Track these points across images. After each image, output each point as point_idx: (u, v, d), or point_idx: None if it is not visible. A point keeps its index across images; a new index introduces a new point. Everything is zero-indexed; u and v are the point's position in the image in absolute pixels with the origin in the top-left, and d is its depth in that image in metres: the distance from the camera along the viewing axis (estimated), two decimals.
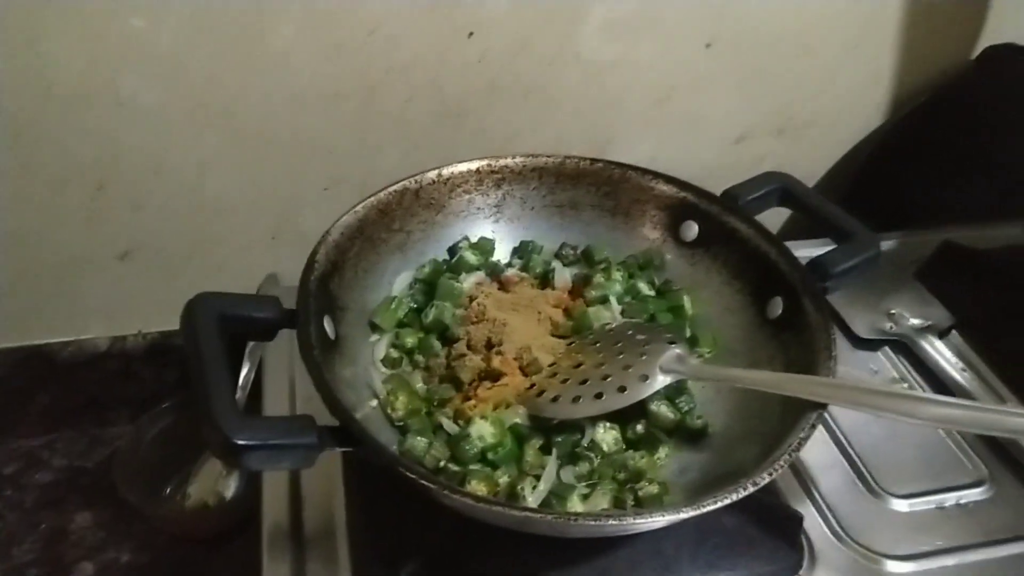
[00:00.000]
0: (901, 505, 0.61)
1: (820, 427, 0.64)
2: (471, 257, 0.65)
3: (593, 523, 0.42)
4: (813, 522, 0.58)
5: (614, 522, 0.42)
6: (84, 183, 0.72)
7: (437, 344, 0.60)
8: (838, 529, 0.58)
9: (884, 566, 0.57)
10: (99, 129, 0.69)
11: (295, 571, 0.54)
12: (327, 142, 0.76)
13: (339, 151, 0.76)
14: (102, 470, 0.82)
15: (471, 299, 0.62)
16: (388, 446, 0.52)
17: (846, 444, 0.65)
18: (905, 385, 0.71)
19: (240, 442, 0.42)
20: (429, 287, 0.63)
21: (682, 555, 0.54)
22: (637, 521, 0.43)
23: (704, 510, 0.44)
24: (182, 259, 0.79)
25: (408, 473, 0.43)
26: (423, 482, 0.43)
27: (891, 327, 0.75)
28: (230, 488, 0.77)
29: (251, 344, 0.73)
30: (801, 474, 0.62)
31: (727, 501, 0.44)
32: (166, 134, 0.71)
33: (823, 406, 0.49)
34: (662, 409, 0.57)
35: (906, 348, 0.73)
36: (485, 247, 0.67)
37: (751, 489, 0.45)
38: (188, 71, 0.68)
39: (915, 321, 0.76)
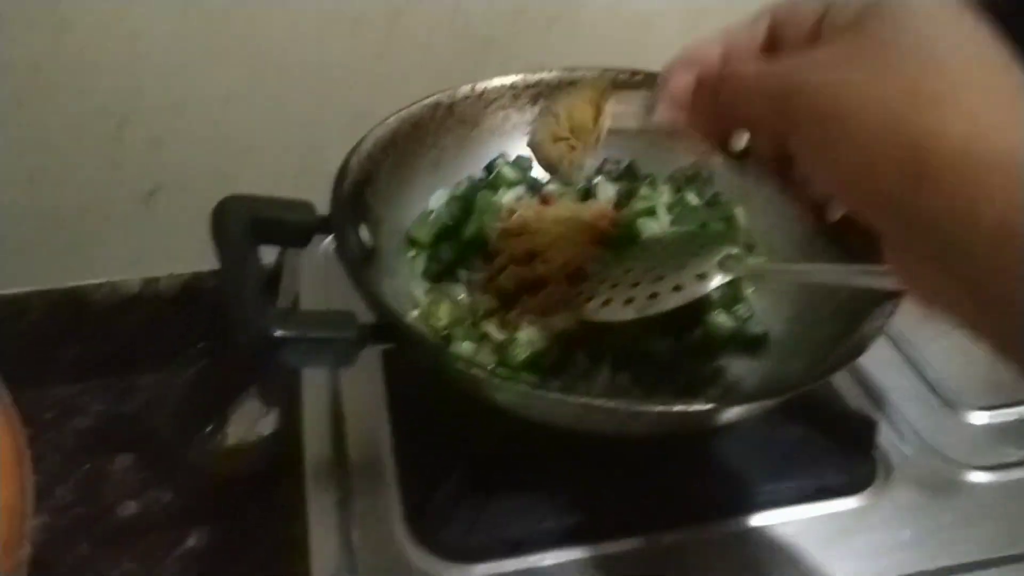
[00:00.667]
0: (980, 417, 0.57)
1: (888, 342, 0.62)
2: (509, 173, 0.62)
3: (661, 409, 0.39)
4: (885, 435, 0.55)
5: (682, 409, 0.39)
6: (105, 121, 0.70)
7: (478, 259, 0.57)
8: (912, 440, 0.55)
9: (964, 476, 0.53)
10: (117, 64, 0.67)
11: (341, 497, 0.52)
12: (351, 72, 0.73)
13: (363, 82, 0.74)
14: (139, 415, 0.81)
15: (511, 212, 0.59)
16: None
17: (916, 358, 0.61)
18: None
19: (278, 334, 0.39)
20: (466, 203, 0.60)
21: (747, 465, 0.51)
22: (708, 408, 0.40)
23: (785, 396, 0.41)
24: (208, 198, 0.76)
25: (457, 364, 0.41)
26: (474, 372, 0.40)
27: None
28: (267, 427, 0.76)
29: (288, 264, 0.71)
30: (870, 390, 0.59)
31: (795, 392, 0.41)
32: (185, 67, 0.69)
33: (898, 294, 0.45)
34: (719, 318, 0.54)
35: None
36: (523, 164, 0.64)
37: (833, 372, 0.41)
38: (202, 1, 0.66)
39: None
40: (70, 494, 0.74)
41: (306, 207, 0.49)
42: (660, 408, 0.41)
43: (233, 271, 0.43)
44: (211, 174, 0.76)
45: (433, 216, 0.59)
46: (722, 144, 0.63)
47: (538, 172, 0.65)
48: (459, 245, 0.58)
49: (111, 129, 0.71)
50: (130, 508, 0.73)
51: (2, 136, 0.69)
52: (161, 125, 0.72)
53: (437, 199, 0.60)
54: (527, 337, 0.50)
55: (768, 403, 0.42)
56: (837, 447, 0.52)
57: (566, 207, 0.60)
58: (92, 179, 0.74)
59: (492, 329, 0.52)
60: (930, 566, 0.48)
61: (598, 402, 0.39)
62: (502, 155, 0.63)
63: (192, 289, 0.81)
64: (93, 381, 0.83)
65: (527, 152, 0.65)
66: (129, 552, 0.70)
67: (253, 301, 0.41)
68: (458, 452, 0.50)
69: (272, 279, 0.78)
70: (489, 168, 0.63)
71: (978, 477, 0.53)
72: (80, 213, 0.75)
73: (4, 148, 0.70)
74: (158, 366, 0.82)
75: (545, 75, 0.64)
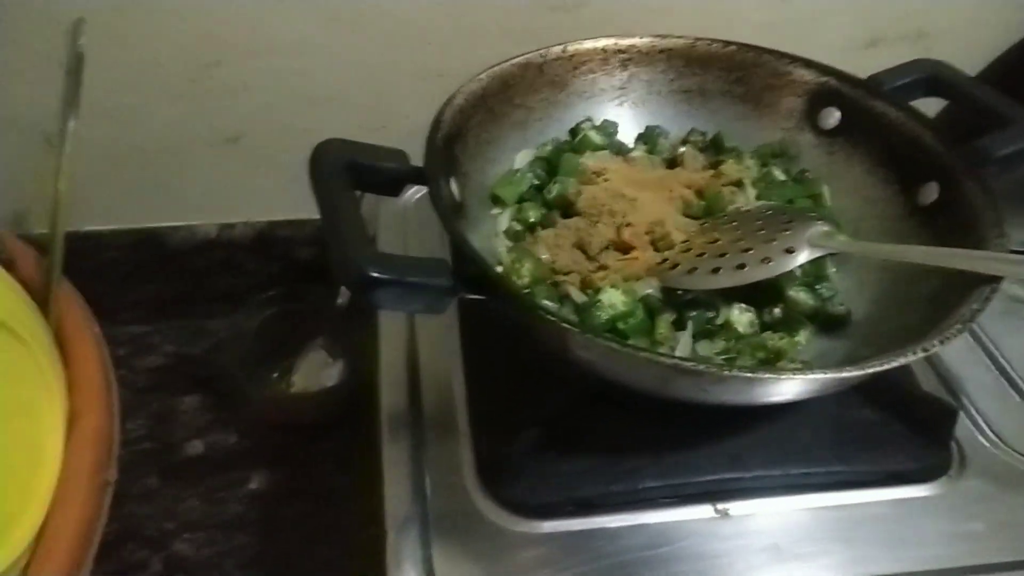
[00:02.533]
0: None
1: (969, 337, 0.61)
2: (595, 137, 0.62)
3: (749, 376, 0.39)
4: (962, 424, 0.54)
5: (770, 376, 0.39)
6: (189, 63, 0.71)
7: (561, 220, 0.57)
8: (989, 433, 0.54)
9: None
10: (203, 6, 0.68)
11: (415, 446, 0.52)
12: (430, 29, 0.73)
13: (437, 42, 0.74)
14: (208, 358, 0.83)
15: (597, 174, 0.59)
16: None
17: (996, 353, 0.60)
18: None
19: (375, 275, 0.40)
20: (551, 164, 0.60)
21: (820, 443, 0.51)
22: (795, 376, 0.40)
23: (869, 370, 0.40)
24: (288, 147, 0.78)
25: (547, 315, 0.41)
26: (563, 324, 0.41)
27: None
28: (333, 378, 0.77)
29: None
30: (948, 381, 0.58)
31: (895, 363, 0.40)
32: (272, 14, 0.69)
33: (997, 279, 0.44)
34: (801, 295, 0.53)
35: None
36: (608, 129, 0.64)
37: (920, 354, 0.41)
38: None
39: None
40: (140, 429, 0.76)
41: (400, 155, 0.50)
42: (747, 374, 0.41)
43: (333, 211, 0.44)
44: (292, 124, 0.77)
45: (518, 175, 0.59)
46: (812, 120, 0.63)
47: (624, 135, 0.64)
48: (543, 205, 0.58)
49: (197, 72, 0.72)
50: (196, 447, 0.75)
51: (93, 71, 0.70)
52: (248, 70, 0.73)
53: (522, 159, 0.61)
54: (609, 300, 0.50)
55: (850, 375, 0.42)
56: (914, 433, 0.52)
57: (653, 172, 0.60)
58: (176, 121, 0.75)
59: (573, 290, 0.52)
60: (999, 559, 0.48)
61: (687, 364, 0.39)
62: (589, 119, 0.63)
63: (267, 237, 0.82)
64: (166, 321, 0.85)
65: (614, 116, 0.65)
66: (194, 488, 0.72)
67: (354, 241, 0.41)
68: (531, 409, 0.50)
69: None
70: (574, 131, 0.63)
71: None
72: (162, 154, 0.76)
73: (94, 83, 0.71)
74: (229, 311, 0.83)
75: (637, 40, 0.64)
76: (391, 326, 0.59)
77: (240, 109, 0.75)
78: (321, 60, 0.73)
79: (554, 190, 0.58)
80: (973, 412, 0.55)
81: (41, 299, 0.56)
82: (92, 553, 0.46)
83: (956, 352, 0.59)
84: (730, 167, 0.60)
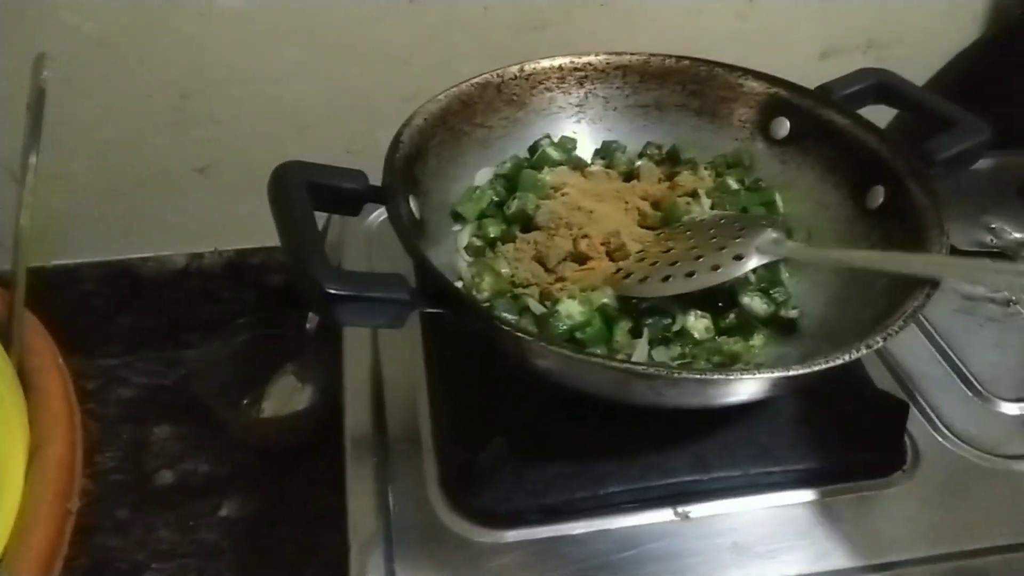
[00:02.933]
0: (1011, 408, 0.57)
1: (920, 333, 0.63)
2: (553, 153, 0.63)
3: (700, 378, 0.40)
4: (915, 421, 0.56)
5: (721, 376, 0.40)
6: (169, 94, 0.72)
7: (521, 235, 0.58)
8: (943, 428, 0.56)
9: (994, 464, 0.53)
10: (184, 37, 0.69)
11: (379, 461, 0.53)
12: (404, 53, 0.75)
13: (416, 64, 0.75)
14: (181, 387, 0.83)
15: (555, 189, 0.60)
16: None
17: (948, 351, 0.61)
18: (1006, 295, 0.67)
19: (333, 291, 0.41)
20: (511, 181, 0.62)
21: (777, 443, 0.52)
22: (744, 377, 0.41)
23: (815, 368, 0.41)
24: (259, 174, 0.78)
25: (504, 326, 0.42)
26: (519, 334, 0.42)
27: (992, 240, 0.71)
28: (304, 402, 0.77)
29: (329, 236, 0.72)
30: (902, 377, 0.59)
31: (838, 362, 0.42)
32: (248, 43, 0.71)
33: (936, 283, 0.46)
34: (755, 301, 0.54)
35: (1009, 260, 0.69)
36: (567, 145, 0.65)
37: (863, 351, 0.42)
38: None
39: (1018, 235, 0.72)
40: (110, 461, 0.76)
41: (359, 176, 0.51)
42: (697, 375, 0.42)
43: (293, 230, 0.44)
44: (263, 152, 0.77)
45: (478, 192, 0.60)
46: (764, 130, 0.65)
47: (583, 151, 0.66)
48: (503, 221, 0.59)
49: (174, 102, 0.73)
50: (167, 477, 0.75)
51: (70, 107, 0.71)
52: (220, 100, 0.74)
53: (482, 176, 0.62)
54: (566, 310, 0.51)
55: (796, 374, 0.43)
56: (868, 429, 0.53)
57: (610, 185, 0.61)
58: (151, 153, 0.76)
59: (532, 302, 0.53)
60: (955, 548, 0.49)
61: (639, 368, 0.40)
62: (547, 135, 0.65)
63: (237, 265, 0.83)
64: (138, 353, 0.85)
65: (572, 132, 0.66)
66: (166, 518, 0.72)
67: (313, 259, 0.42)
68: (495, 419, 0.51)
69: None
70: (533, 148, 0.64)
71: (1008, 466, 0.53)
72: (138, 186, 0.77)
73: (72, 119, 0.72)
74: (203, 340, 0.83)
75: (592, 58, 0.66)
76: (355, 345, 0.60)
77: (213, 138, 0.76)
78: (298, 87, 0.75)
79: (513, 205, 0.59)
80: (927, 408, 0.57)
81: (4, 332, 0.56)
82: None
83: (910, 349, 0.61)
84: (685, 178, 0.62)
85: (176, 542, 0.70)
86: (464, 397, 0.53)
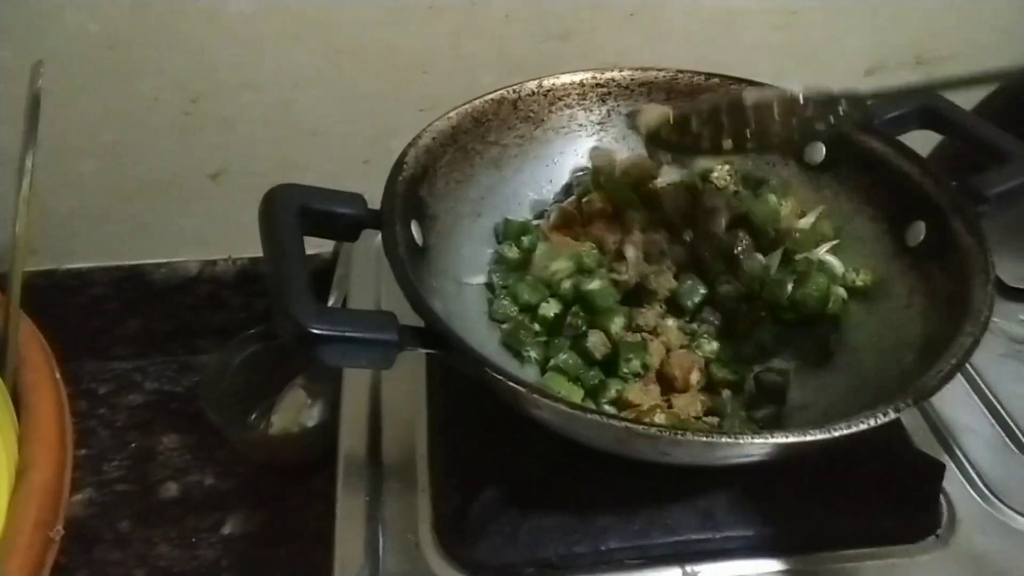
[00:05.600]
0: None
1: (962, 379, 0.58)
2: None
3: (705, 440, 0.37)
4: (953, 480, 0.51)
5: (729, 440, 0.37)
6: (178, 97, 0.70)
7: None
8: (983, 489, 0.51)
9: None
10: (194, 40, 0.67)
11: (371, 498, 0.51)
12: (422, 60, 0.72)
13: (435, 71, 0.72)
14: (190, 395, 0.82)
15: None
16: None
17: (993, 400, 0.57)
18: None
19: (315, 331, 0.38)
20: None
21: (797, 500, 0.48)
22: (756, 441, 0.37)
23: (836, 434, 0.37)
24: (272, 181, 0.76)
25: (495, 375, 0.39)
26: (511, 384, 0.38)
27: None
28: (313, 418, 0.75)
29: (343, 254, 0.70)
30: (940, 429, 0.55)
31: (861, 427, 0.38)
32: (259, 47, 0.69)
33: (980, 333, 0.42)
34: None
35: None
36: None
37: (890, 415, 0.38)
38: None
39: None
40: (116, 470, 0.75)
41: (358, 200, 0.48)
42: (702, 438, 0.38)
43: (278, 261, 0.42)
44: (276, 158, 0.76)
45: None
46: (798, 154, 0.61)
47: None
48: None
49: (185, 106, 0.71)
50: (172, 489, 0.73)
51: (78, 110, 0.70)
52: (231, 105, 0.72)
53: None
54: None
55: (814, 439, 0.39)
56: (900, 490, 0.49)
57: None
58: (161, 157, 0.74)
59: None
60: None
61: (639, 428, 0.37)
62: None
63: (250, 273, 0.81)
64: (149, 358, 0.84)
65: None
66: (167, 533, 0.70)
67: (295, 294, 0.39)
68: (495, 464, 0.48)
69: (326, 270, 0.78)
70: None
71: None
72: (148, 191, 0.76)
73: (80, 121, 0.71)
74: (214, 347, 0.82)
75: (616, 74, 0.62)
76: (354, 371, 0.57)
77: (225, 143, 0.75)
78: (312, 92, 0.73)
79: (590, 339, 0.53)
80: (966, 464, 0.52)
81: (0, 341, 0.55)
82: None
83: (949, 397, 0.56)
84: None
85: (176, 559, 0.69)
86: (464, 437, 0.51)
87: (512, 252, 0.57)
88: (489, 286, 0.57)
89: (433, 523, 0.48)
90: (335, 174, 0.78)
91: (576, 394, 0.49)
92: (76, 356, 0.83)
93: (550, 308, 0.54)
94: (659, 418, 0.46)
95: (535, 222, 0.60)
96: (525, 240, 0.58)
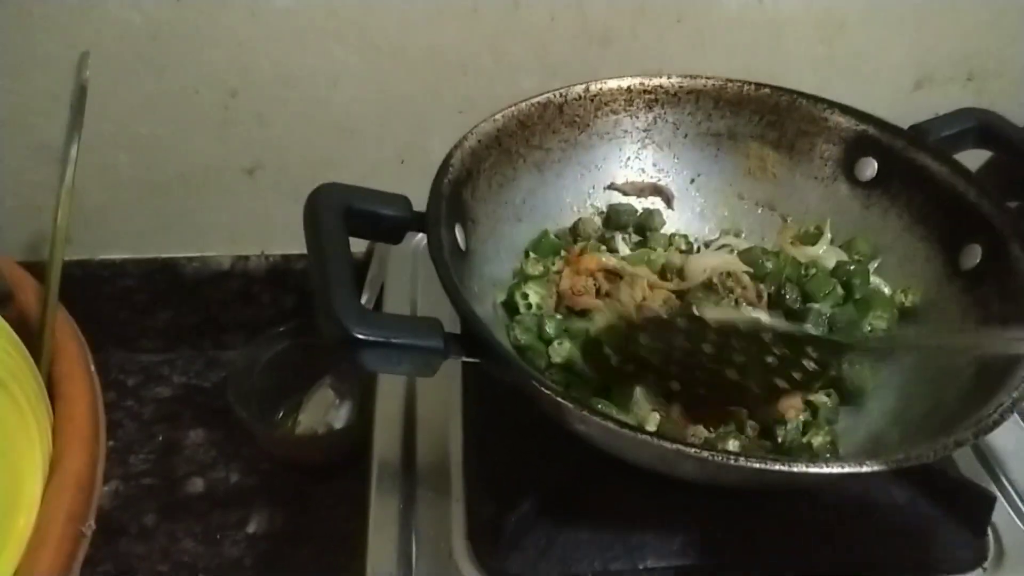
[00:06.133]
0: None
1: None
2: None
3: (758, 466, 0.36)
4: (1001, 510, 0.50)
5: (782, 467, 0.35)
6: (217, 90, 0.70)
7: None
8: None
9: None
10: (232, 34, 0.67)
11: (404, 505, 0.50)
12: (462, 61, 0.71)
13: (474, 72, 0.72)
14: (218, 390, 0.81)
15: None
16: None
17: None
18: None
19: (359, 335, 0.38)
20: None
21: (840, 528, 0.47)
22: (811, 469, 0.36)
23: (893, 466, 0.36)
24: (307, 179, 0.75)
25: (544, 388, 0.38)
26: (558, 400, 0.38)
27: None
28: (340, 419, 0.74)
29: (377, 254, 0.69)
30: (987, 458, 0.53)
31: (927, 458, 0.36)
32: (298, 43, 0.68)
33: None
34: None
35: None
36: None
37: (950, 448, 0.37)
38: None
39: None
40: (142, 463, 0.74)
41: (402, 202, 0.48)
42: (755, 464, 0.37)
43: (323, 262, 0.41)
44: (312, 156, 0.76)
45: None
46: (847, 170, 0.59)
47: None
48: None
49: (221, 101, 0.71)
50: (197, 485, 0.73)
51: (116, 101, 0.70)
52: (269, 101, 0.72)
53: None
54: None
55: (875, 470, 0.38)
56: (947, 520, 0.47)
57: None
58: (197, 151, 0.74)
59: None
60: None
61: (689, 451, 0.36)
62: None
63: (282, 270, 0.81)
64: (178, 351, 0.84)
65: (636, 156, 0.62)
66: (192, 529, 0.70)
67: (340, 296, 0.39)
68: (533, 476, 0.47)
69: (360, 269, 0.77)
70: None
71: None
72: (182, 184, 0.75)
73: (118, 113, 0.71)
74: (243, 343, 0.82)
75: (664, 81, 0.61)
76: (390, 376, 0.56)
77: (261, 139, 0.74)
78: (349, 90, 0.72)
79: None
80: (1014, 495, 0.51)
81: (38, 330, 0.55)
82: None
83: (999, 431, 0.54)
84: None
85: (199, 554, 0.68)
86: (500, 445, 0.50)
87: (535, 270, 0.57)
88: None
89: (467, 533, 0.47)
90: (371, 173, 0.77)
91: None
92: (105, 347, 0.82)
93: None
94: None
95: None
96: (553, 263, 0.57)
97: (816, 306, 0.54)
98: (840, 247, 0.58)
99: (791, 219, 0.61)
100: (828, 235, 0.58)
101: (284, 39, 0.68)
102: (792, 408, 0.48)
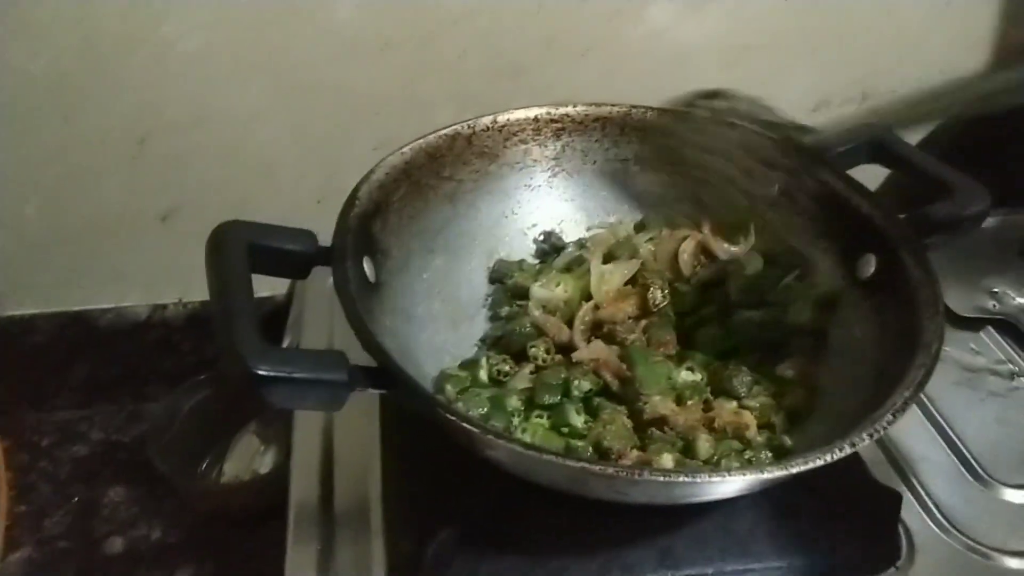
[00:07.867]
0: (1015, 495, 0.53)
1: (916, 408, 0.58)
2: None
3: (661, 480, 0.36)
4: (911, 511, 0.51)
5: (686, 479, 0.36)
6: (126, 136, 0.69)
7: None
8: (941, 519, 0.51)
9: (996, 561, 0.49)
10: (141, 78, 0.67)
11: (323, 546, 0.49)
12: (376, 97, 0.72)
13: (389, 108, 0.72)
14: (138, 444, 0.79)
15: None
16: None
17: (947, 429, 0.57)
18: (1010, 367, 0.63)
19: (261, 372, 0.37)
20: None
21: (756, 536, 0.47)
22: (713, 479, 0.37)
23: (793, 470, 0.37)
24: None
25: (448, 416, 0.38)
26: (464, 425, 0.37)
27: (994, 305, 0.67)
28: (266, 464, 0.73)
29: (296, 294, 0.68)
30: (897, 460, 0.55)
31: (822, 461, 0.37)
32: (209, 84, 0.68)
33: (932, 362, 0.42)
34: None
35: (1012, 328, 0.65)
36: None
37: (846, 450, 0.38)
38: (232, 17, 0.65)
39: (1021, 300, 0.68)
40: (57, 527, 0.71)
41: (307, 236, 0.47)
42: (660, 477, 0.37)
43: (224, 299, 0.41)
44: (228, 198, 0.75)
45: None
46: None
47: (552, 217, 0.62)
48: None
49: (131, 146, 0.70)
50: (116, 545, 0.70)
51: (21, 149, 0.68)
52: (181, 144, 0.71)
53: None
54: None
55: (776, 476, 0.38)
56: (857, 522, 0.48)
57: None
58: (107, 198, 0.73)
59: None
60: None
61: (595, 468, 0.36)
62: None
63: (201, 318, 0.79)
64: (96, 407, 0.82)
65: (547, 185, 0.62)
66: None
67: (240, 332, 0.38)
68: (452, 506, 0.47)
69: (280, 313, 0.76)
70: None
71: (1013, 563, 0.49)
72: (93, 232, 0.74)
73: (23, 161, 0.69)
74: (163, 395, 0.79)
75: (570, 109, 0.62)
76: (307, 412, 0.56)
77: (175, 183, 0.73)
78: (263, 131, 0.72)
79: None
80: (923, 495, 0.52)
81: None
82: None
83: (904, 426, 0.56)
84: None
85: None
86: (419, 478, 0.49)
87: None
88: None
89: (387, 569, 0.46)
90: (288, 214, 0.75)
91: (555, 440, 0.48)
92: (17, 407, 0.79)
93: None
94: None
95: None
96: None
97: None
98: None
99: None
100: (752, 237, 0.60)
101: (193, 82, 0.68)
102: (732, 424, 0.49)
